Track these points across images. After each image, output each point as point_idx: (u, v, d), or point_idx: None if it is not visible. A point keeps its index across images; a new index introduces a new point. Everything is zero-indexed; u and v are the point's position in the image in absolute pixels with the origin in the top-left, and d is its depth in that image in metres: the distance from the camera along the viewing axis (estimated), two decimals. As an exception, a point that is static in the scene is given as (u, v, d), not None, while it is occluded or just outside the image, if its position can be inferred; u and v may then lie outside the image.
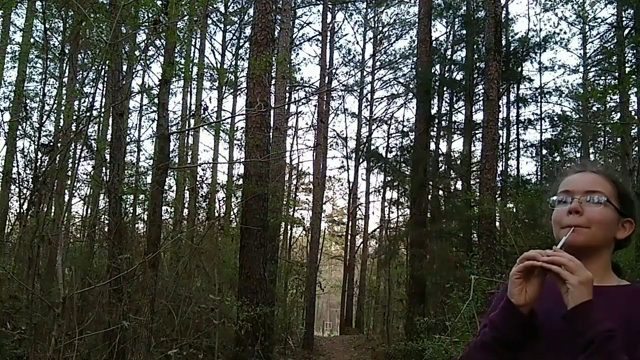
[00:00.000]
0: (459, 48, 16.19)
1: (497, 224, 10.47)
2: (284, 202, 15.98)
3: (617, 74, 13.82)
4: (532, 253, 1.18)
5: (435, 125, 15.60)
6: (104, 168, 8.65)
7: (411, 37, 21.48)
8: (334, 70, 21.51)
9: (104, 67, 7.17)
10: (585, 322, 1.11)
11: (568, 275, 1.13)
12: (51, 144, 6.10)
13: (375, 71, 23.87)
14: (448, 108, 16.35)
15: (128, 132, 15.36)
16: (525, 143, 15.72)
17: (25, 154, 6.13)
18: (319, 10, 19.76)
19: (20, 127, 7.42)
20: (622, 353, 1.09)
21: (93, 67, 11.64)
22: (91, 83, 10.61)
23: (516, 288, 1.18)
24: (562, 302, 1.15)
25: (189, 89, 17.85)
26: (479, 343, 1.26)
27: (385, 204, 23.18)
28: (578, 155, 16.71)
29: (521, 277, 1.18)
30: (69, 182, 8.85)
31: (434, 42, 15.01)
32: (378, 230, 25.05)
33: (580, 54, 18.16)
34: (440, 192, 14.83)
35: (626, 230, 1.31)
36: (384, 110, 23.84)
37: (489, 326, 1.25)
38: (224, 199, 12.58)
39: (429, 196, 13.66)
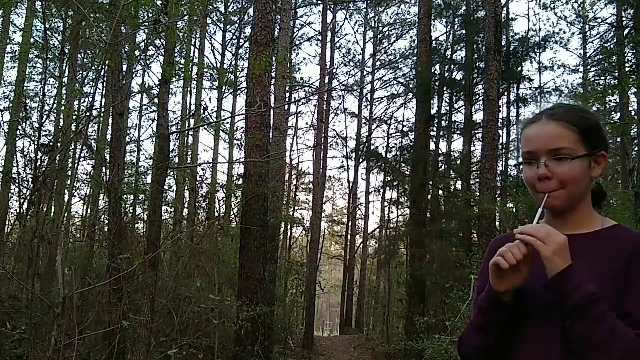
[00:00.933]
0: (459, 48, 16.19)
1: (497, 224, 10.47)
2: (284, 202, 15.98)
3: (617, 74, 13.81)
4: (504, 250, 1.17)
5: (435, 125, 15.60)
6: (104, 168, 8.65)
7: (411, 37, 21.49)
8: (334, 70, 21.52)
9: (104, 67, 7.17)
10: (567, 289, 1.12)
11: (540, 247, 1.13)
12: (51, 144, 6.10)
13: (376, 71, 23.88)
14: (448, 108, 16.35)
15: (128, 132, 15.37)
16: (525, 143, 15.71)
17: (25, 154, 6.12)
18: (319, 11, 19.77)
19: (20, 127, 7.42)
20: (608, 314, 1.10)
21: (93, 67, 11.65)
22: (91, 83, 10.62)
23: (496, 279, 1.19)
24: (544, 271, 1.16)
25: (189, 89, 17.85)
26: (472, 326, 1.29)
27: (385, 204, 23.19)
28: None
29: (496, 268, 1.18)
30: (69, 182, 8.84)
31: (434, 42, 15.01)
32: (378, 230, 25.05)
33: (580, 54, 18.18)
34: (440, 192, 14.83)
35: (600, 165, 1.28)
36: (384, 110, 23.87)
37: (478, 310, 1.27)
38: (224, 199, 12.57)
39: (429, 196, 13.66)
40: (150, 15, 7.94)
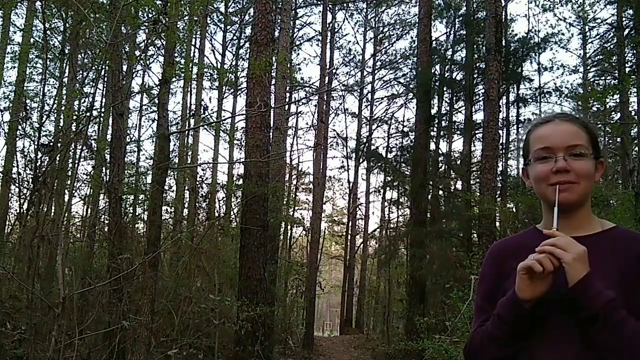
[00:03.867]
0: (459, 48, 16.19)
1: (497, 224, 10.47)
2: (284, 202, 15.97)
3: (617, 74, 13.81)
4: (528, 263, 1.17)
5: (435, 125, 15.60)
6: (104, 168, 8.65)
7: (412, 37, 21.52)
8: (334, 70, 21.51)
9: (104, 67, 7.17)
10: (588, 295, 1.14)
11: (561, 254, 1.15)
12: (51, 144, 6.10)
13: (376, 71, 23.87)
14: (448, 108, 16.35)
15: (128, 132, 15.37)
16: (525, 143, 15.70)
17: (25, 154, 6.12)
18: (319, 11, 19.76)
19: (20, 127, 7.42)
20: (629, 319, 1.13)
21: (93, 67, 11.64)
22: (91, 83, 10.61)
23: (524, 283, 1.19)
24: (564, 278, 1.17)
25: (189, 89, 17.85)
26: (489, 337, 1.28)
27: (385, 204, 23.19)
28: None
29: (527, 273, 1.19)
30: (69, 182, 8.84)
31: (434, 42, 15.00)
32: (378, 230, 25.05)
33: (580, 54, 18.18)
34: (440, 192, 14.83)
35: (599, 171, 1.32)
36: (384, 110, 23.89)
37: (497, 320, 1.26)
38: (224, 199, 12.57)
39: (429, 196, 13.65)
40: (150, 15, 7.93)
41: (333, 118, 23.74)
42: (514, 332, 1.23)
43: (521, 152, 1.40)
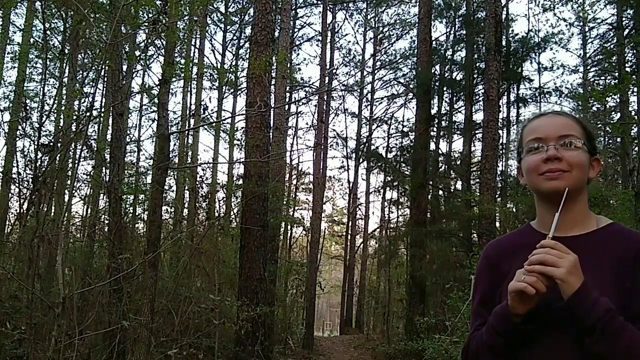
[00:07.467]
0: (459, 48, 16.19)
1: (497, 224, 10.47)
2: (284, 202, 15.97)
3: (617, 74, 13.81)
4: (519, 286, 1.15)
5: (435, 125, 15.60)
6: (104, 168, 8.65)
7: (411, 37, 21.51)
8: (334, 70, 21.50)
9: (104, 67, 7.16)
10: (582, 308, 1.12)
11: (552, 271, 1.12)
12: (51, 144, 6.09)
13: (376, 71, 23.88)
14: (448, 108, 16.35)
15: (128, 132, 15.36)
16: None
17: (25, 154, 6.11)
18: (319, 11, 19.76)
19: (20, 127, 7.41)
20: (626, 326, 1.10)
21: (93, 67, 11.64)
22: (91, 83, 10.60)
23: (515, 302, 1.18)
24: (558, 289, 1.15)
25: (189, 89, 17.85)
26: (487, 347, 1.26)
27: (385, 204, 23.20)
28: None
29: (518, 295, 1.17)
30: (69, 182, 8.83)
31: (434, 42, 15.00)
32: (378, 230, 25.05)
33: (580, 54, 18.17)
34: (440, 192, 14.83)
35: (594, 168, 1.31)
36: (384, 110, 23.89)
37: (491, 330, 1.25)
38: (224, 199, 12.57)
39: (429, 196, 13.65)
40: (150, 15, 7.93)
41: (333, 118, 23.76)
42: (506, 342, 1.22)
43: (516, 151, 1.38)
